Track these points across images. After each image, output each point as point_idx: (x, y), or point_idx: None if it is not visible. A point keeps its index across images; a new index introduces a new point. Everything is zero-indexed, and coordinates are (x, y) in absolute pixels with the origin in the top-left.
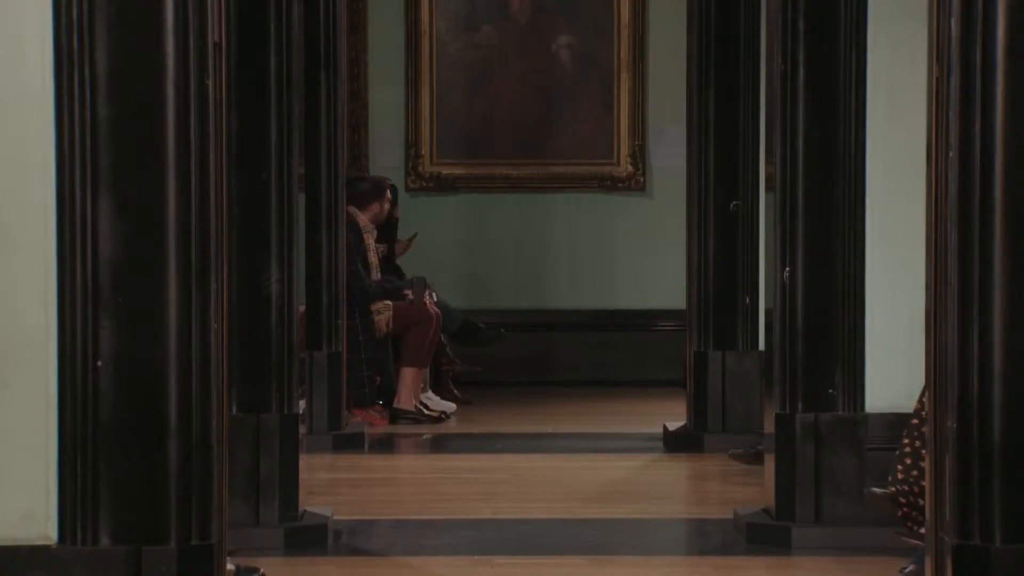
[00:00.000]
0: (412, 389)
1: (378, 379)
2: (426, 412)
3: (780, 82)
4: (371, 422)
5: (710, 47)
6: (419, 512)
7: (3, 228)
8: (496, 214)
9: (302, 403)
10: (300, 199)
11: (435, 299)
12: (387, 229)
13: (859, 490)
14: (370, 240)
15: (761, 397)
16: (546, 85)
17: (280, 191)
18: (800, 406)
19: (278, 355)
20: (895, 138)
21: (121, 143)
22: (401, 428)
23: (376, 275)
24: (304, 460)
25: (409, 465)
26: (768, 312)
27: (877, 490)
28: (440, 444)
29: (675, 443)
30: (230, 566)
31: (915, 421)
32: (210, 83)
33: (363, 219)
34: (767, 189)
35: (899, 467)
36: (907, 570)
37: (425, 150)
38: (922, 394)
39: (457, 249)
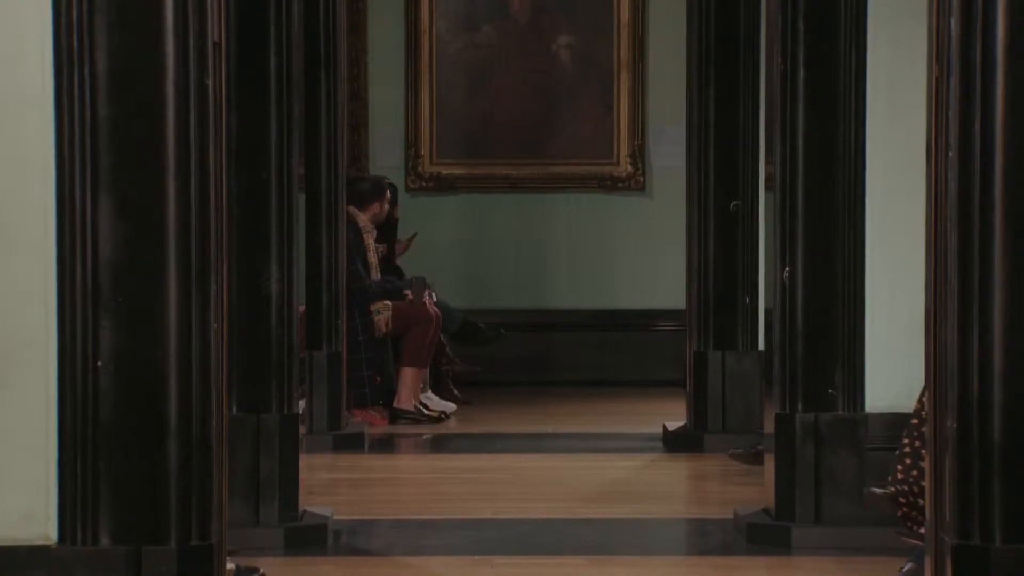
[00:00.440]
0: (412, 389)
1: (378, 379)
2: (426, 412)
3: (780, 82)
4: (371, 422)
5: (710, 47)
6: (419, 512)
7: (3, 228)
8: (496, 214)
9: (302, 403)
10: (300, 199)
11: (435, 299)
12: (387, 229)
13: (859, 490)
14: (370, 240)
15: (761, 397)
16: (546, 85)
17: (280, 191)
18: (800, 406)
19: (278, 355)
20: (895, 138)
21: (121, 143)
22: (401, 428)
23: (376, 275)
24: (304, 460)
25: (409, 465)
26: (768, 312)
27: (877, 490)
28: (440, 444)
29: (675, 443)
30: (230, 566)
31: (915, 421)
32: (210, 83)
33: (363, 219)
34: (767, 189)
35: (899, 467)
36: (905, 568)
37: (425, 150)
38: (922, 394)
39: (457, 249)
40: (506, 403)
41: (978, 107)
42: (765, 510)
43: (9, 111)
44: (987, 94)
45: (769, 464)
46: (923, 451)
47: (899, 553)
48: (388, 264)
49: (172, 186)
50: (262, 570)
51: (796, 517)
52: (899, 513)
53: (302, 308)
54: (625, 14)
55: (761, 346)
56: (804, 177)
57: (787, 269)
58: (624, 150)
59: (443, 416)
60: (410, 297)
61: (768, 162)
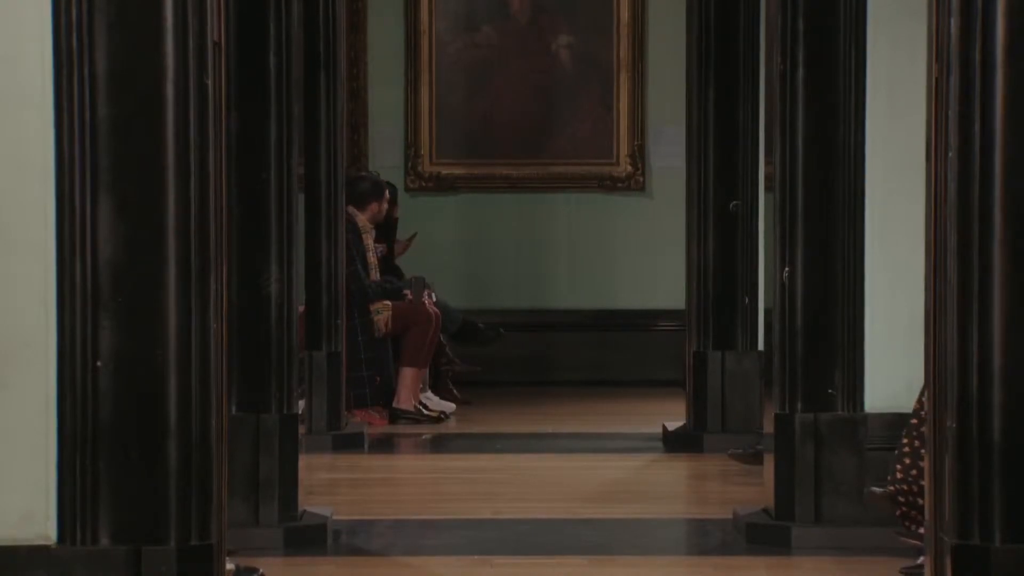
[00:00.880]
0: (411, 389)
1: (378, 379)
2: (425, 412)
3: (780, 82)
4: (371, 422)
5: (710, 47)
6: (419, 512)
7: (3, 228)
8: (496, 214)
9: (301, 403)
10: (300, 199)
11: (434, 299)
12: (386, 229)
13: (859, 490)
14: (369, 240)
15: (761, 397)
16: (546, 85)
17: (280, 191)
18: (800, 406)
19: (278, 355)
20: (895, 138)
21: (121, 143)
22: (401, 428)
23: (375, 275)
24: (304, 460)
25: (409, 465)
26: (768, 312)
27: (876, 489)
28: (440, 444)
29: (675, 443)
30: (230, 566)
31: (914, 421)
32: (210, 83)
33: (362, 219)
34: (767, 189)
35: (898, 467)
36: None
37: (425, 150)
38: (921, 394)
39: (457, 249)
40: (506, 403)
41: (978, 107)
42: (765, 510)
43: (9, 111)
44: (987, 94)
45: (769, 464)
46: (922, 451)
47: (899, 553)
48: (388, 264)
49: (172, 186)
50: (261, 570)
51: (796, 517)
52: (898, 512)
53: (302, 308)
54: (625, 14)
55: (761, 346)
56: (804, 177)
57: (787, 269)
58: (624, 150)
59: (443, 416)
60: (410, 297)
61: (768, 162)
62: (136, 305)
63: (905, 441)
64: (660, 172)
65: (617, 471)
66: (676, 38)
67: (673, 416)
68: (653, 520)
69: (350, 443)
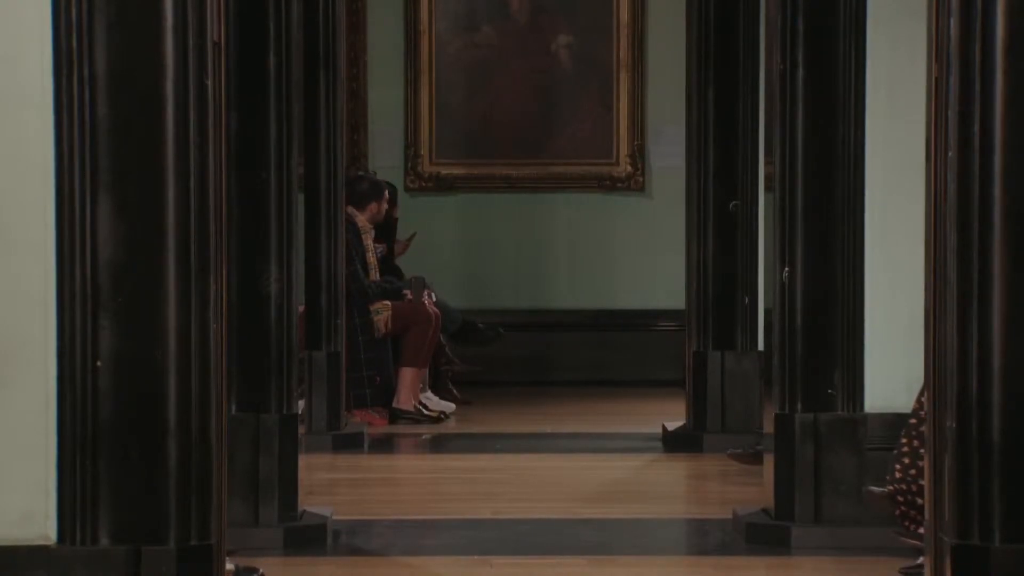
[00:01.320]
0: (411, 389)
1: (377, 379)
2: (425, 412)
3: (780, 82)
4: (370, 422)
5: (710, 47)
6: (419, 512)
7: (3, 228)
8: (496, 214)
9: (301, 403)
10: (299, 199)
11: (434, 299)
12: (386, 229)
13: (858, 490)
14: (368, 240)
15: (760, 397)
16: (546, 85)
17: (279, 191)
18: (799, 406)
19: (277, 355)
20: (895, 138)
21: (121, 143)
22: (400, 428)
23: (375, 275)
24: (303, 460)
25: (409, 465)
26: (767, 312)
27: (875, 489)
28: (440, 444)
29: (674, 443)
30: (229, 566)
31: (914, 421)
32: (210, 83)
33: (361, 219)
34: (767, 189)
35: (897, 466)
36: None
37: (424, 150)
38: (921, 394)
39: (457, 249)
40: (506, 403)
41: (978, 107)
42: (764, 510)
43: (9, 111)
44: (987, 94)
45: (768, 464)
46: (922, 451)
47: (898, 553)
48: (387, 264)
49: (172, 186)
50: (261, 570)
51: (795, 517)
52: (897, 512)
53: (302, 308)
54: (625, 14)
55: (760, 346)
56: (804, 177)
57: (787, 269)
58: (624, 150)
59: (442, 416)
60: (409, 297)
61: (768, 162)
62: (136, 305)
63: (904, 441)
64: (660, 172)
65: (617, 471)
66: (676, 38)
67: (673, 416)
68: (653, 520)
69: (350, 443)
